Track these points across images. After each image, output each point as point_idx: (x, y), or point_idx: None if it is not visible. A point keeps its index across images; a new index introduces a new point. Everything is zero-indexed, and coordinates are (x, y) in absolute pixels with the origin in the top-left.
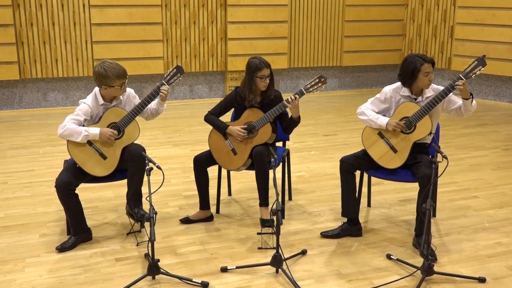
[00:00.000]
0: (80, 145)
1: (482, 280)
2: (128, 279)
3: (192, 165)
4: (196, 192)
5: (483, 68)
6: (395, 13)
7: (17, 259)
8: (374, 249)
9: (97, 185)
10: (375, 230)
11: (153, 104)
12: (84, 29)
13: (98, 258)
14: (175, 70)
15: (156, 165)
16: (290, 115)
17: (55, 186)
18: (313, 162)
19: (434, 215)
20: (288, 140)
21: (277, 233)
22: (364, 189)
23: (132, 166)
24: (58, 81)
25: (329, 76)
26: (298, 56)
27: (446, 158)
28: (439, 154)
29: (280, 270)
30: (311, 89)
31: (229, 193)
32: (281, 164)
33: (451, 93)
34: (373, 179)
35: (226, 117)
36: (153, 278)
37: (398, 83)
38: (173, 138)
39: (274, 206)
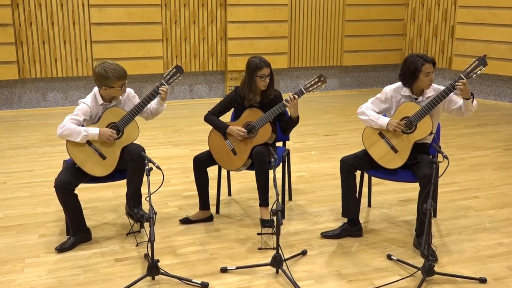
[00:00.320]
0: (79, 145)
1: (483, 280)
2: (127, 280)
3: (191, 165)
4: (196, 192)
5: (484, 68)
6: (395, 13)
7: (16, 259)
8: (375, 250)
9: (97, 185)
10: (376, 230)
11: (152, 104)
12: (83, 29)
13: (98, 259)
14: (174, 69)
15: (156, 165)
16: (289, 115)
17: (54, 186)
18: (313, 162)
19: (435, 215)
20: (288, 140)
21: (277, 233)
22: (365, 189)
23: (132, 166)
24: (58, 81)
25: (330, 75)
26: (298, 55)
27: (446, 158)
28: (439, 154)
29: (280, 270)
30: (310, 89)
31: (229, 193)
32: (281, 164)
33: (452, 93)
34: (374, 179)
35: (226, 117)
36: (153, 278)
37: (399, 83)
38: (173, 138)
39: (274, 206)
